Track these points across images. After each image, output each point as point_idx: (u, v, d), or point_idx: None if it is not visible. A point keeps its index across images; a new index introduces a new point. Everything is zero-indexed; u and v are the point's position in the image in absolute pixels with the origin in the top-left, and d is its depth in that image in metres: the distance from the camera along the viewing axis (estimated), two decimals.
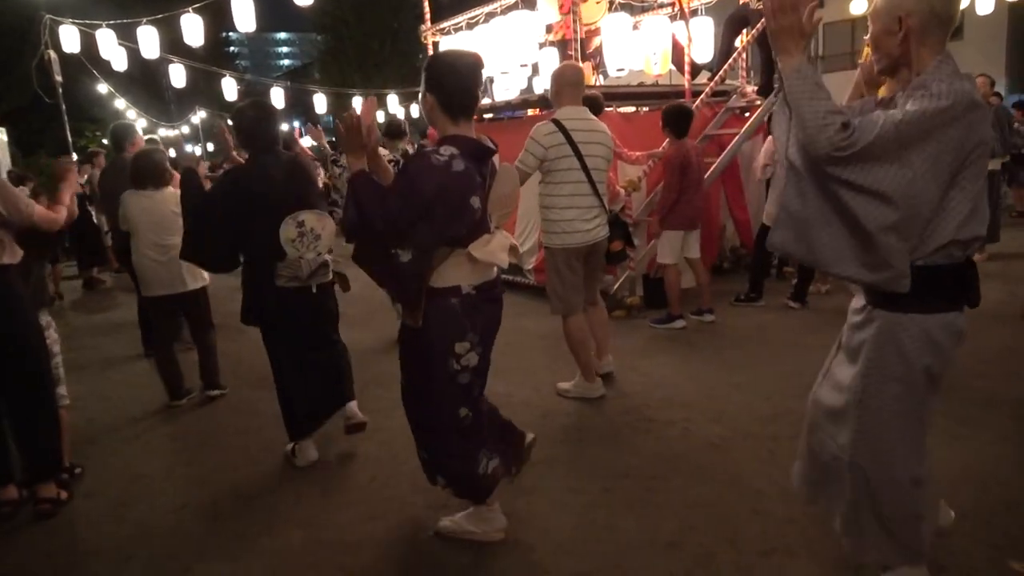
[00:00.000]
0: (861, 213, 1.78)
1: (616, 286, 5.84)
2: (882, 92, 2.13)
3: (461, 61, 2.40)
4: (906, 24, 1.83)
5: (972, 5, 9.20)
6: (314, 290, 3.30)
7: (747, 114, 6.84)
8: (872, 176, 1.75)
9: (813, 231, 1.89)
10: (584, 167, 3.78)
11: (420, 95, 2.45)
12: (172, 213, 4.31)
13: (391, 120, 5.40)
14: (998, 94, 9.21)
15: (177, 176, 5.41)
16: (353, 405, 3.65)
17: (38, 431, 3.14)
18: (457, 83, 2.37)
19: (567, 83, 3.89)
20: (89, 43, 10.93)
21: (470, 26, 7.67)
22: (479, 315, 2.44)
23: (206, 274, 4.45)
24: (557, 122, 3.76)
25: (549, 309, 4.04)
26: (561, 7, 6.91)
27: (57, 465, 3.24)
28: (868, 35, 1.98)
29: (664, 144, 5.36)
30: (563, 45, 6.84)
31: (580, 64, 6.33)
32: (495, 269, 2.53)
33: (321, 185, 3.88)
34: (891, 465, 2.01)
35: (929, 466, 2.10)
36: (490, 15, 7.23)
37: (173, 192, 4.40)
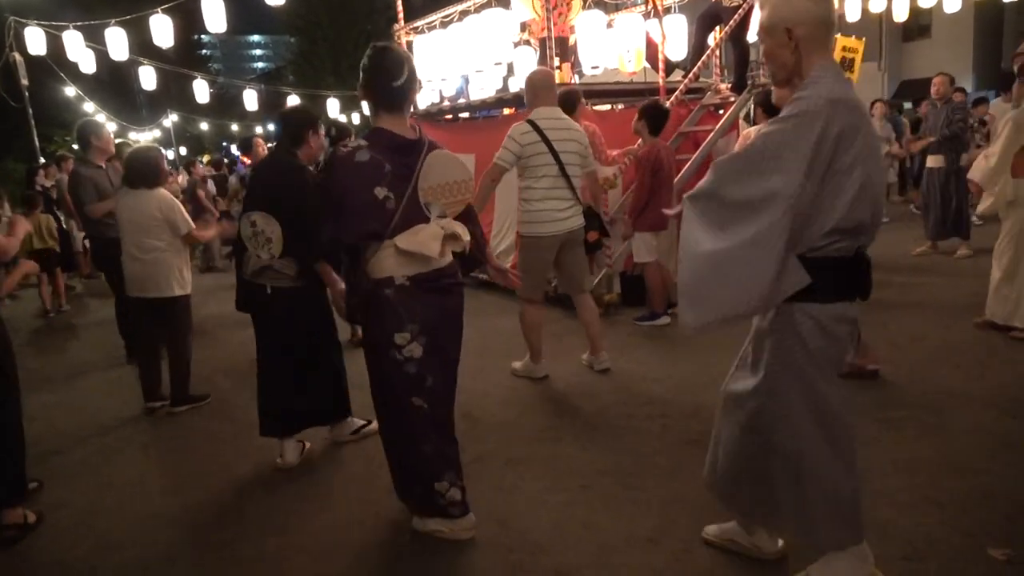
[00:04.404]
0: (766, 224, 1.88)
1: (595, 283, 5.82)
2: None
3: (386, 58, 2.50)
4: (795, 35, 1.94)
5: (939, 3, 9.32)
6: (268, 291, 3.29)
7: (721, 111, 6.86)
8: (759, 186, 1.90)
9: (727, 281, 1.97)
10: (559, 163, 4.02)
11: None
12: (153, 217, 4.08)
13: (333, 124, 5.56)
14: (961, 89, 9.24)
15: (174, 179, 5.27)
16: (344, 424, 3.60)
17: (1, 456, 2.98)
18: (380, 80, 2.49)
19: (540, 87, 4.17)
20: (56, 45, 10.69)
21: (444, 25, 7.62)
22: (418, 306, 2.46)
23: (188, 283, 4.28)
24: (532, 122, 4.04)
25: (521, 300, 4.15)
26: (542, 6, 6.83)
27: (21, 490, 3.09)
28: (761, 52, 2.09)
29: (639, 142, 5.36)
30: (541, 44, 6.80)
31: (556, 65, 6.36)
32: (446, 259, 2.53)
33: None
34: (802, 437, 2.08)
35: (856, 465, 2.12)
36: (464, 13, 7.19)
37: (161, 195, 4.13)
